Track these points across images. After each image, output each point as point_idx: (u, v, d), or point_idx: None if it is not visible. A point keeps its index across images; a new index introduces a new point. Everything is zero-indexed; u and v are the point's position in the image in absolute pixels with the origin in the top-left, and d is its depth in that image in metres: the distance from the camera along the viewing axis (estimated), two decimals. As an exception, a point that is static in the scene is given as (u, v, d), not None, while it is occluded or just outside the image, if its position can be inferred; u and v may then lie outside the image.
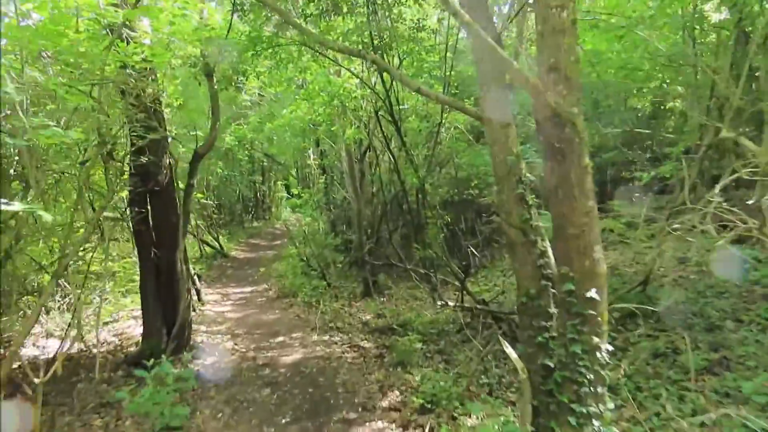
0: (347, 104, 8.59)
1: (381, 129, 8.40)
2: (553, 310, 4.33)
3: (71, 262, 7.51)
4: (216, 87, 7.13)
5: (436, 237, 7.39)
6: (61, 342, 4.95)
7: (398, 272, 12.28)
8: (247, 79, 7.72)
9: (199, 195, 9.70)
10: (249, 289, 11.85)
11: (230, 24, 6.70)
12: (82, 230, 6.78)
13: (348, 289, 11.34)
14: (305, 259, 12.55)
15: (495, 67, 4.40)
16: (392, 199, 12.38)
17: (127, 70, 6.16)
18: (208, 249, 16.16)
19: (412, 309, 10.07)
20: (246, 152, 19.96)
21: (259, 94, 17.45)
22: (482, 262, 12.34)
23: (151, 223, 6.83)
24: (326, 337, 8.15)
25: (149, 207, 6.80)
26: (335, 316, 9.30)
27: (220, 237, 18.34)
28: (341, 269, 12.70)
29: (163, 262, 6.80)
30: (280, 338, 8.17)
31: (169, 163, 6.88)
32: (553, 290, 4.34)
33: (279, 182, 23.73)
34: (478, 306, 7.22)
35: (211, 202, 17.04)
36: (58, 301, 8.82)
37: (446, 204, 12.11)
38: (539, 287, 4.36)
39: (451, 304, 7.37)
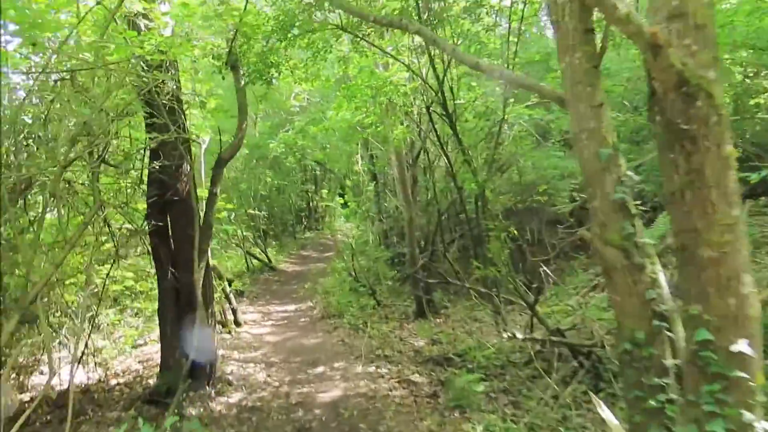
0: (395, 100, 7.59)
1: (434, 128, 7.32)
2: (671, 362, 3.11)
3: (80, 281, 6.90)
4: (243, 82, 6.30)
5: (500, 252, 6.21)
6: (51, 374, 4.15)
7: (455, 289, 11.14)
8: (279, 73, 6.86)
9: (229, 206, 8.94)
10: (292, 307, 11.02)
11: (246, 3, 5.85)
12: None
13: (399, 309, 10.30)
14: (353, 274, 11.62)
15: (581, 23, 3.26)
16: (448, 207, 11.28)
17: (140, 63, 5.46)
18: (255, 262, 15.56)
19: (472, 334, 8.89)
20: (296, 160, 19.41)
21: (307, 99, 16.84)
22: (550, 277, 10.99)
23: (170, 237, 6.07)
24: (372, 368, 7.12)
25: (168, 220, 6.04)
26: (384, 342, 8.26)
27: (269, 249, 17.78)
28: (393, 285, 11.67)
29: (183, 283, 6.00)
30: (320, 369, 7.21)
31: (189, 169, 6.08)
32: (670, 333, 3.14)
33: (329, 191, 23.04)
34: (554, 338, 5.97)
35: (260, 212, 16.45)
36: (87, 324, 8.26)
37: (508, 213, 10.88)
38: (650, 330, 3.15)
39: (519, 336, 6.15)
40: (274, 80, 7.19)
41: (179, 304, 6.05)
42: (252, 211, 16.07)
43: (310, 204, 25.22)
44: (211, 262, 8.78)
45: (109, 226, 5.90)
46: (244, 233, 15.36)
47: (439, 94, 6.16)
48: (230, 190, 15.16)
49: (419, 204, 10.80)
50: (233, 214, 15.81)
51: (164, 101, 5.73)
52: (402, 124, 8.62)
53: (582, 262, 12.65)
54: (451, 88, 6.59)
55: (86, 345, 6.55)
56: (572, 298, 10.69)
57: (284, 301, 11.62)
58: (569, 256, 12.50)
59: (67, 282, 6.85)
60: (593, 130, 3.34)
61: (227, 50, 6.07)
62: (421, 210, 10.87)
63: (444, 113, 6.32)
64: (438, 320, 9.89)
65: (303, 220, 24.97)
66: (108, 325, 8.24)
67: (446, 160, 7.73)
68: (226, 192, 14.56)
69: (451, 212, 11.76)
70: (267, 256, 15.77)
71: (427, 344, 8.22)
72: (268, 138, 14.39)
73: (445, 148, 7.54)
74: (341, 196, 31.45)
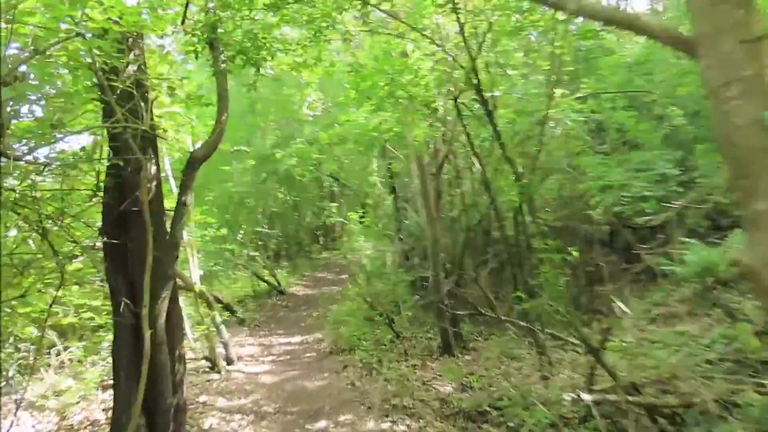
0: (416, 93, 6.28)
1: (463, 125, 6.00)
2: None
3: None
4: (224, 63, 5.08)
5: (554, 280, 4.80)
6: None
7: (486, 319, 9.72)
8: (273, 57, 5.62)
9: (210, 219, 7.73)
10: (298, 338, 9.68)
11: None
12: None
13: (422, 343, 8.89)
14: (369, 301, 10.25)
15: None
16: (479, 223, 9.90)
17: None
18: (263, 285, 14.32)
19: (510, 377, 7.43)
20: (310, 173, 18.26)
21: (321, 108, 15.72)
22: (600, 304, 9.50)
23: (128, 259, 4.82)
24: (387, 424, 5.74)
25: (126, 236, 4.79)
26: (402, 387, 6.86)
27: (281, 271, 16.53)
28: (414, 314, 10.25)
29: (149, 318, 4.71)
30: (322, 423, 5.85)
31: (155, 171, 4.85)
32: None
33: (339, 206, 21.81)
34: (630, 398, 4.51)
35: (269, 230, 15.25)
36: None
37: (549, 230, 9.48)
38: None
39: (587, 398, 4.71)
40: (267, 69, 5.97)
41: (138, 344, 4.76)
42: (261, 229, 14.87)
43: (327, 222, 23.98)
44: (199, 286, 7.54)
45: (51, 244, 4.69)
46: (251, 254, 14.15)
47: (472, 77, 4.84)
48: (236, 206, 14.02)
49: (444, 221, 9.43)
50: (241, 232, 14.67)
51: (121, 85, 4.53)
52: (423, 119, 7.30)
53: (634, 289, 11.12)
54: (488, 69, 5.28)
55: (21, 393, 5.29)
56: (628, 333, 9.19)
57: (290, 331, 10.29)
58: (615, 279, 11.00)
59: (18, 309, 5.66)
60: (750, 80, 1.98)
61: (205, 24, 4.87)
62: (446, 227, 9.50)
63: (479, 102, 5.00)
64: (467, 357, 8.46)
65: (319, 239, 23.74)
66: (72, 361, 7.03)
67: (478, 165, 6.40)
68: (229, 207, 13.42)
69: (480, 229, 10.37)
70: (276, 278, 14.50)
71: (456, 390, 6.80)
72: (279, 150, 13.25)
73: (475, 149, 6.20)
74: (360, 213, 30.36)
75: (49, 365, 7.23)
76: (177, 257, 4.83)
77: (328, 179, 22.60)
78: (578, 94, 6.39)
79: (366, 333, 9.21)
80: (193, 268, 7.75)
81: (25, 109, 4.56)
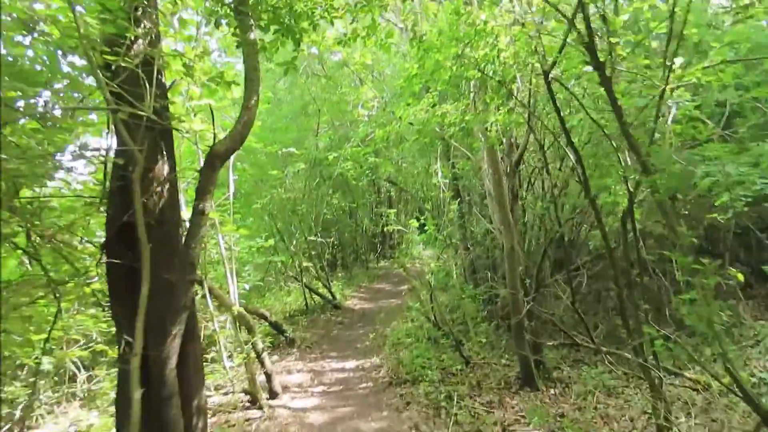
0: (490, 67, 5.04)
1: (555, 106, 4.70)
2: None
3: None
4: (254, 34, 4.04)
5: (705, 313, 3.42)
6: None
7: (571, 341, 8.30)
8: (314, 26, 4.53)
9: (242, 231, 6.74)
10: (353, 363, 8.57)
11: None
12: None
13: (497, 372, 7.58)
14: (433, 319, 9.04)
15: None
16: (559, 232, 8.49)
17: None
18: (316, 298, 13.35)
19: (611, 420, 6.06)
20: (366, 177, 17.25)
21: (376, 107, 14.64)
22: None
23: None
24: (462, 490, 4.50)
25: (133, 255, 3.82)
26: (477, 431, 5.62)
27: (335, 282, 15.55)
28: (486, 333, 8.94)
29: (155, 358, 3.71)
30: (380, 485, 4.69)
31: (168, 173, 3.87)
32: None
33: (397, 212, 20.66)
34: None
35: (323, 240, 14.29)
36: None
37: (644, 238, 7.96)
38: None
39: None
40: (310, 46, 4.91)
41: (149, 391, 3.76)
42: (314, 238, 13.93)
43: (385, 229, 22.91)
44: (238, 308, 6.57)
45: (42, 266, 3.79)
46: (303, 264, 13.21)
47: (582, 31, 3.56)
48: (287, 214, 13.13)
49: (520, 228, 8.10)
50: (294, 241, 13.79)
51: (123, 63, 3.58)
52: (499, 108, 6.02)
53: (748, 306, 9.38)
54: (604, 17, 3.96)
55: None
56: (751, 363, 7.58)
57: (344, 353, 9.20)
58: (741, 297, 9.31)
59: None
60: None
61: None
62: (530, 235, 8.17)
63: (593, 66, 3.70)
64: (553, 391, 7.12)
65: (377, 247, 22.69)
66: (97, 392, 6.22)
67: (572, 157, 5.08)
68: (280, 215, 12.54)
69: (562, 237, 8.96)
70: (330, 291, 13.50)
71: (545, 440, 5.51)
72: (333, 152, 12.26)
73: (571, 138, 4.88)
74: (418, 219, 29.07)
75: (73, 396, 6.46)
76: (194, 282, 3.80)
77: (385, 184, 21.61)
78: (703, 65, 4.94)
79: (431, 359, 7.99)
80: (232, 285, 6.78)
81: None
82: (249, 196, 11.87)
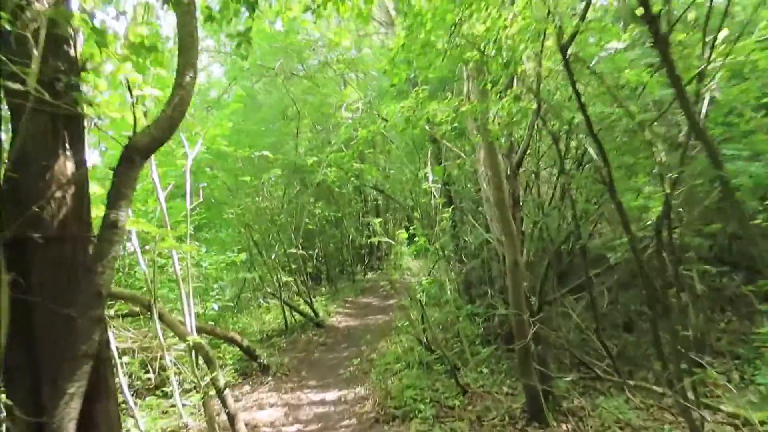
0: (492, 39, 4.14)
1: (574, 89, 3.81)
2: None
3: None
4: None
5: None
6: None
7: (579, 365, 7.41)
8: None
9: (187, 247, 5.76)
10: (334, 394, 7.58)
11: None
12: None
13: (499, 404, 6.63)
14: (425, 341, 8.08)
15: None
16: (567, 239, 7.63)
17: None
18: (297, 316, 12.34)
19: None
20: (351, 184, 16.32)
21: (361, 109, 13.76)
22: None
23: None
24: None
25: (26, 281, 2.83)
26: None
27: (319, 298, 14.54)
28: (485, 359, 7.99)
29: (53, 415, 2.71)
30: None
31: (75, 172, 2.91)
32: None
33: (383, 222, 19.75)
34: None
35: (304, 252, 13.29)
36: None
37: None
38: None
39: None
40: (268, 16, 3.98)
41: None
42: (294, 251, 12.93)
43: (371, 240, 21.94)
44: (195, 338, 5.58)
45: None
46: (283, 279, 12.22)
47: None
48: (263, 223, 12.14)
49: (524, 237, 7.20)
50: (272, 254, 12.79)
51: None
52: (501, 95, 5.12)
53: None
54: None
55: None
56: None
57: (325, 381, 8.20)
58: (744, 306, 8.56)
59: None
60: None
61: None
62: (536, 247, 7.26)
63: (646, 21, 2.80)
64: (565, 427, 6.18)
65: (364, 258, 21.71)
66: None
67: (594, 153, 4.19)
68: (255, 226, 11.53)
69: (568, 248, 8.11)
70: (312, 307, 12.48)
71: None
72: (312, 156, 11.33)
73: (590, 120, 3.99)
74: (407, 229, 28.12)
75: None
76: (101, 319, 2.81)
77: (371, 192, 20.69)
78: (754, 40, 4.08)
79: (423, 389, 7.03)
80: (188, 310, 5.78)
81: None
82: (221, 205, 10.88)
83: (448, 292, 8.65)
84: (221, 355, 8.71)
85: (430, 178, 7.94)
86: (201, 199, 9.60)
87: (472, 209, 9.38)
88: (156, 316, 5.34)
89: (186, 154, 6.55)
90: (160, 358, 5.61)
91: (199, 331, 7.94)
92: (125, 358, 5.66)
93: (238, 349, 8.47)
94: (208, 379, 5.38)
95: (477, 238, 8.26)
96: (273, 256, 12.78)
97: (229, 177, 10.58)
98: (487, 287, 9.24)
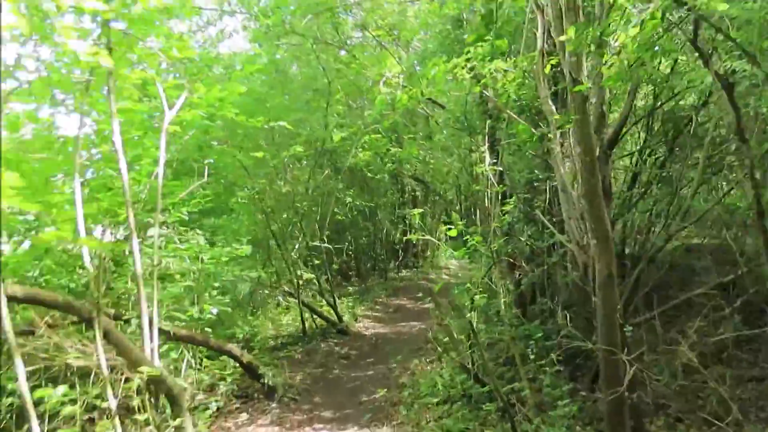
0: None
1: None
2: None
3: None
4: None
5: None
6: None
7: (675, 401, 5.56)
8: None
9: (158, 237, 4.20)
10: (353, 434, 5.94)
11: None
12: None
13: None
14: (471, 367, 6.35)
15: None
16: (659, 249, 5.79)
17: None
18: (318, 319, 10.78)
19: None
20: (388, 172, 14.65)
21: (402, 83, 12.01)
22: None
23: None
24: None
25: None
26: None
27: (344, 299, 12.95)
28: (547, 386, 6.19)
29: None
30: None
31: None
32: None
33: (422, 216, 17.99)
34: None
35: (329, 246, 11.69)
36: None
37: None
38: None
39: None
40: None
41: None
42: (319, 244, 11.36)
43: (408, 233, 20.22)
44: (155, 369, 4.01)
45: None
46: (304, 276, 10.68)
47: None
48: (284, 211, 10.60)
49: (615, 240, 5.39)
50: (295, 246, 11.27)
51: None
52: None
53: None
54: None
55: None
56: None
57: (343, 413, 6.57)
58: None
59: None
60: None
61: None
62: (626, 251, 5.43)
63: None
64: None
65: (398, 254, 20.00)
66: None
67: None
68: (273, 214, 9.98)
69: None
70: (335, 310, 10.90)
71: None
72: (341, 132, 9.67)
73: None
74: (446, 223, 26.22)
75: None
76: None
77: (409, 182, 18.99)
78: None
79: (468, 434, 5.33)
80: (147, 326, 4.20)
81: None
82: (232, 186, 9.36)
83: (502, 306, 6.88)
84: (219, 370, 7.22)
85: (487, 159, 6.16)
86: (205, 179, 8.11)
87: (537, 203, 7.55)
88: (99, 334, 3.78)
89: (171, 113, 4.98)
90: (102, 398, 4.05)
91: (187, 341, 6.45)
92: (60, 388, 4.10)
93: (236, 367, 6.95)
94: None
95: (545, 240, 6.45)
96: (296, 249, 11.26)
97: (243, 154, 9.02)
98: (548, 301, 7.43)
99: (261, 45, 12.05)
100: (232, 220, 9.16)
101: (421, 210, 5.81)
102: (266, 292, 11.92)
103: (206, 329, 7.13)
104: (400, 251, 20.13)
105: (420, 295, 16.07)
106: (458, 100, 10.35)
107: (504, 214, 5.92)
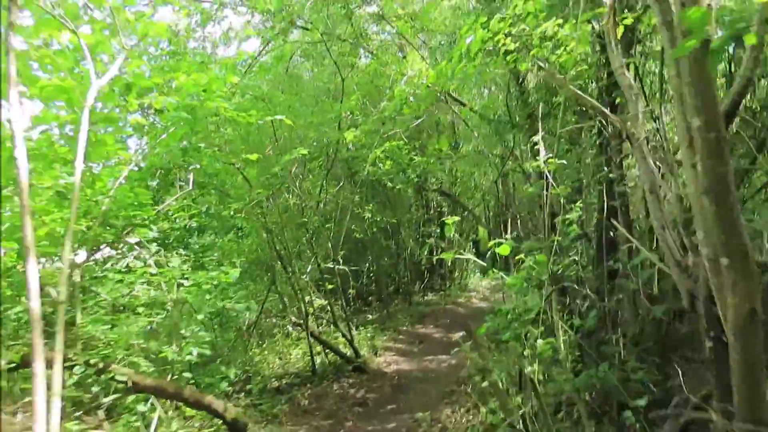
0: None
1: None
2: None
3: None
4: None
5: None
6: None
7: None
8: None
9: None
10: None
11: None
12: None
13: None
14: (522, 427, 4.78)
15: None
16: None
17: None
18: (330, 354, 9.30)
19: None
20: (410, 185, 13.19)
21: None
22: None
23: None
24: None
25: None
26: None
27: (363, 328, 11.46)
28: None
29: None
30: None
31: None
32: None
33: (452, 233, 16.47)
34: None
35: (344, 268, 10.23)
36: None
37: None
38: None
39: None
40: None
41: None
42: (333, 265, 9.94)
43: (434, 253, 18.62)
44: None
45: None
46: (316, 302, 9.26)
47: None
48: (292, 226, 9.23)
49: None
50: (308, 269, 9.88)
51: None
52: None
53: None
54: None
55: None
56: None
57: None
58: None
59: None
60: None
61: None
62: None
63: None
64: None
65: (423, 276, 18.43)
66: None
67: None
68: (273, 232, 8.58)
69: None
70: (352, 343, 9.40)
71: None
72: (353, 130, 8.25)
73: None
74: (475, 243, 24.45)
75: None
76: None
77: (434, 197, 17.53)
78: None
79: None
80: (42, 394, 2.77)
81: None
82: (225, 199, 7.99)
83: (562, 347, 5.30)
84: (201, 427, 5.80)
85: (542, 152, 4.66)
86: (191, 187, 6.81)
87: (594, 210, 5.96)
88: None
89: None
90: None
91: (154, 392, 5.02)
92: None
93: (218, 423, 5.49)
94: None
95: (621, 260, 4.88)
96: (306, 272, 9.83)
97: (239, 159, 7.66)
98: (609, 336, 5.81)
99: (269, 42, 10.84)
100: (222, 239, 7.78)
101: (456, 218, 4.20)
102: (273, 320, 10.54)
103: (184, 374, 5.73)
104: (426, 272, 18.57)
105: (448, 321, 14.49)
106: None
107: (569, 225, 4.38)
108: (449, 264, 19.55)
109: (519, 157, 6.97)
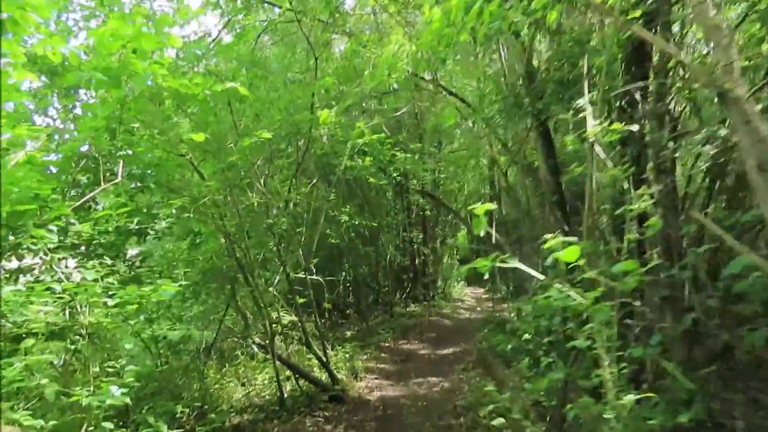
0: None
1: None
2: None
3: None
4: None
5: None
6: None
7: None
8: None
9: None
10: None
11: None
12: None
13: None
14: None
15: None
16: None
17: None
18: (302, 381, 7.86)
19: None
20: (389, 187, 11.91)
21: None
22: None
23: None
24: None
25: None
26: None
27: (340, 347, 10.06)
28: None
29: None
30: None
31: None
32: None
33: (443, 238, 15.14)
34: None
35: (318, 278, 8.80)
36: None
37: None
38: None
39: None
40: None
41: None
42: (305, 275, 8.54)
43: (416, 260, 17.31)
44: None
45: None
46: (284, 320, 7.83)
47: None
48: (256, 233, 7.81)
49: None
50: (275, 280, 8.44)
51: None
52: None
53: None
54: None
55: None
56: None
57: None
58: None
59: None
60: None
61: None
62: None
63: None
64: None
65: (405, 285, 17.10)
66: None
67: None
68: (233, 235, 7.16)
69: None
70: (327, 367, 7.98)
71: None
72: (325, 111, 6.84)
73: None
74: (456, 250, 23.40)
75: None
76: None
77: (416, 199, 16.24)
78: None
79: None
80: None
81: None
82: (169, 195, 6.50)
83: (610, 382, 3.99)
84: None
85: (590, 121, 3.35)
86: (120, 179, 5.40)
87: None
88: None
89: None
90: None
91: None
92: None
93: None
94: None
95: (732, 268, 3.60)
96: (275, 284, 8.39)
97: (185, 146, 6.22)
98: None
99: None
100: (166, 245, 6.32)
101: (493, 206, 2.80)
102: (235, 340, 9.08)
103: (103, 424, 4.26)
104: (407, 281, 17.24)
105: (434, 335, 13.20)
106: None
107: (640, 220, 3.06)
108: (431, 271, 18.31)
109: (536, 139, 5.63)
